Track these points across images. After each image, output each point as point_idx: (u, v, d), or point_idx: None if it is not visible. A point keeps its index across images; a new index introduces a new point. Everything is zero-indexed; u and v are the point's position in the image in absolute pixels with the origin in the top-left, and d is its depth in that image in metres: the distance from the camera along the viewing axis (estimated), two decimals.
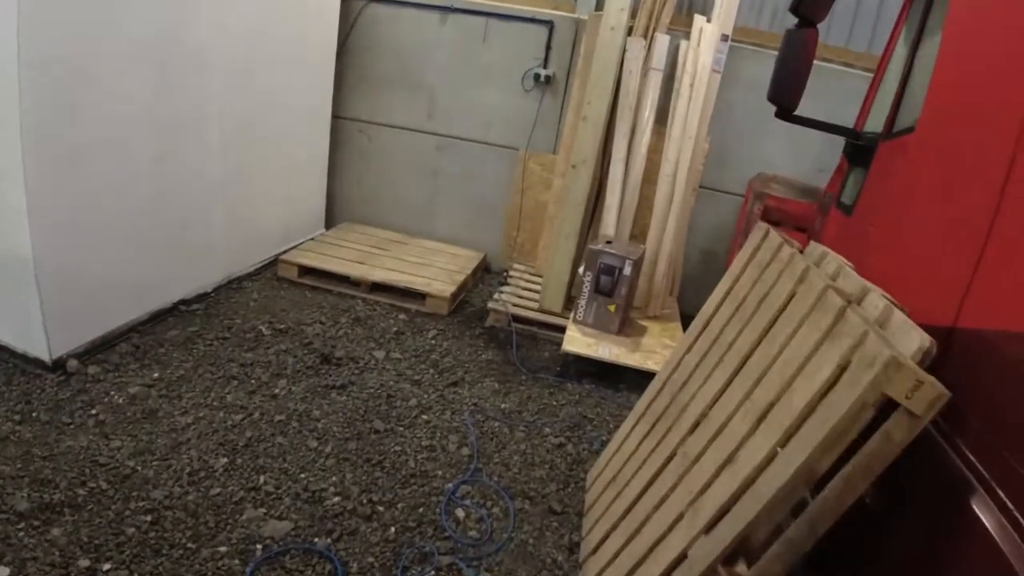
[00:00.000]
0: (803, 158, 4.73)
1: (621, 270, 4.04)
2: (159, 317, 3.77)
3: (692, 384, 2.51)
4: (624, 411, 3.69)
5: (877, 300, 1.98)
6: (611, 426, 3.56)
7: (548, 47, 4.79)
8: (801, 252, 2.65)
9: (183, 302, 3.95)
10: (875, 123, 3.54)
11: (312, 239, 4.93)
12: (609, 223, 4.41)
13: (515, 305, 4.41)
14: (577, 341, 3.99)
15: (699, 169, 4.63)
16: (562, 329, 4.26)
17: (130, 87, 3.25)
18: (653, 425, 2.66)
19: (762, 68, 4.62)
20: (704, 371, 2.47)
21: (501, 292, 4.54)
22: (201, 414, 3.11)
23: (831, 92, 4.58)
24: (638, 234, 4.64)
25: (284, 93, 4.40)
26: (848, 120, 3.63)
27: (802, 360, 1.88)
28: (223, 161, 3.97)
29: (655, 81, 4.47)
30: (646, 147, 4.47)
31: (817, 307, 1.94)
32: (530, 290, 4.66)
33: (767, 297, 2.35)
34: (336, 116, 5.12)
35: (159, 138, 3.48)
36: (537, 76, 4.83)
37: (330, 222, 5.37)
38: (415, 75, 5.02)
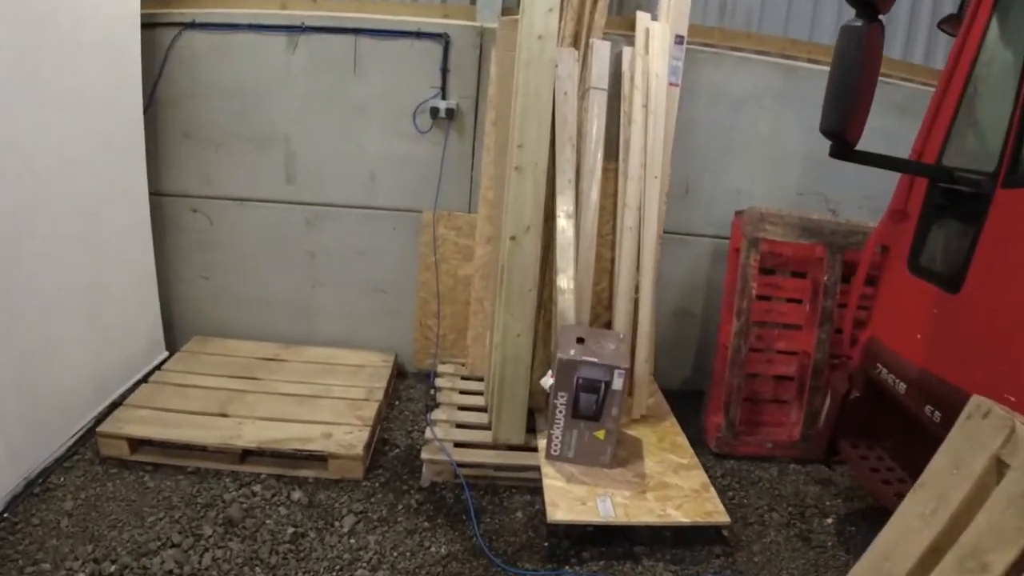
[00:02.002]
0: (781, 183, 3.49)
1: (609, 384, 2.62)
2: None
3: None
4: None
5: None
6: None
7: (445, 70, 3.23)
8: None
9: None
10: (964, 159, 2.30)
11: (147, 380, 3.15)
12: (567, 307, 2.96)
13: (458, 444, 2.88)
14: (564, 499, 2.54)
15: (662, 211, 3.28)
16: (530, 469, 2.81)
17: None
18: None
19: (724, 75, 3.32)
20: None
21: (432, 421, 3.00)
22: None
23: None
24: (595, 304, 3.24)
25: (66, 179, 2.63)
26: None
27: None
28: None
29: (599, 104, 3.05)
30: (597, 193, 3.07)
31: None
32: (471, 408, 3.14)
33: None
34: (156, 193, 3.34)
35: None
36: (435, 111, 3.26)
37: (174, 340, 3.58)
38: (261, 125, 3.32)
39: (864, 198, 3.53)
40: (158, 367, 3.31)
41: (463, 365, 3.50)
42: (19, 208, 2.39)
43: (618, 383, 2.60)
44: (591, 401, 2.64)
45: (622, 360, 2.62)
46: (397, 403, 3.43)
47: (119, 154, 3.05)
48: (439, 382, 3.35)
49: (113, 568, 2.21)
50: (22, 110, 2.37)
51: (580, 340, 2.72)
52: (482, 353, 3.34)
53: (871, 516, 2.90)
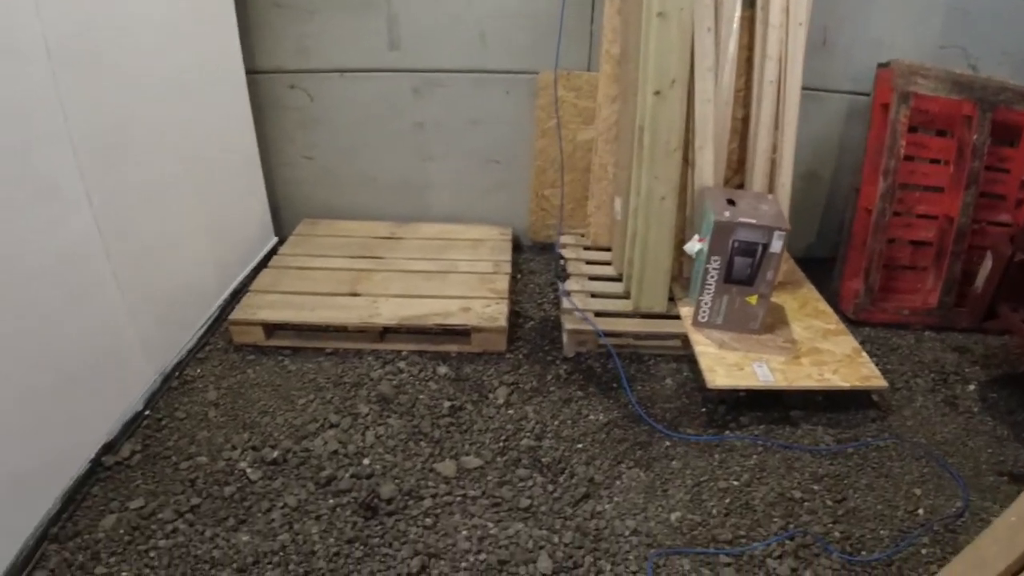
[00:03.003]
0: (921, 35, 3.15)
1: (767, 247, 2.47)
2: (78, 494, 2.02)
3: None
4: (827, 464, 2.26)
5: None
6: (827, 502, 2.12)
7: None
8: None
9: (108, 448, 2.16)
10: None
11: (266, 265, 3.06)
12: (705, 167, 2.78)
13: (597, 314, 2.78)
14: (720, 365, 2.45)
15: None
16: (673, 336, 2.72)
17: None
18: None
19: None
20: None
21: (565, 290, 2.89)
22: None
23: None
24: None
25: (164, 57, 2.40)
26: None
27: None
28: (90, 202, 2.05)
29: None
30: (735, 44, 2.81)
31: None
32: (601, 278, 3.02)
33: None
34: (252, 71, 3.12)
35: None
36: None
37: (280, 225, 3.46)
38: None
39: (1004, 54, 3.20)
40: (271, 253, 3.23)
41: (582, 236, 3.35)
42: (121, 91, 2.19)
43: (776, 245, 2.45)
44: (746, 265, 2.50)
45: (781, 221, 2.46)
46: (519, 276, 3.32)
47: (211, 27, 2.80)
48: (565, 253, 3.20)
49: (276, 453, 2.19)
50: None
51: (731, 202, 2.56)
52: (604, 222, 3.19)
53: (1011, 383, 2.80)
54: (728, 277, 2.53)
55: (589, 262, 3.13)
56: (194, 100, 2.66)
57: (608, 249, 3.19)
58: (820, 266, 3.36)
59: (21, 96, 1.77)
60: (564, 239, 3.34)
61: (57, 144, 1.91)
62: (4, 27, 1.68)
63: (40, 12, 1.79)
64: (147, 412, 2.37)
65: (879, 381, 2.50)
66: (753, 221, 2.43)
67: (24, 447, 1.83)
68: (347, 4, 3.07)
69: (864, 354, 2.62)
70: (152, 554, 1.86)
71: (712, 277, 2.54)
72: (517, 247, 3.56)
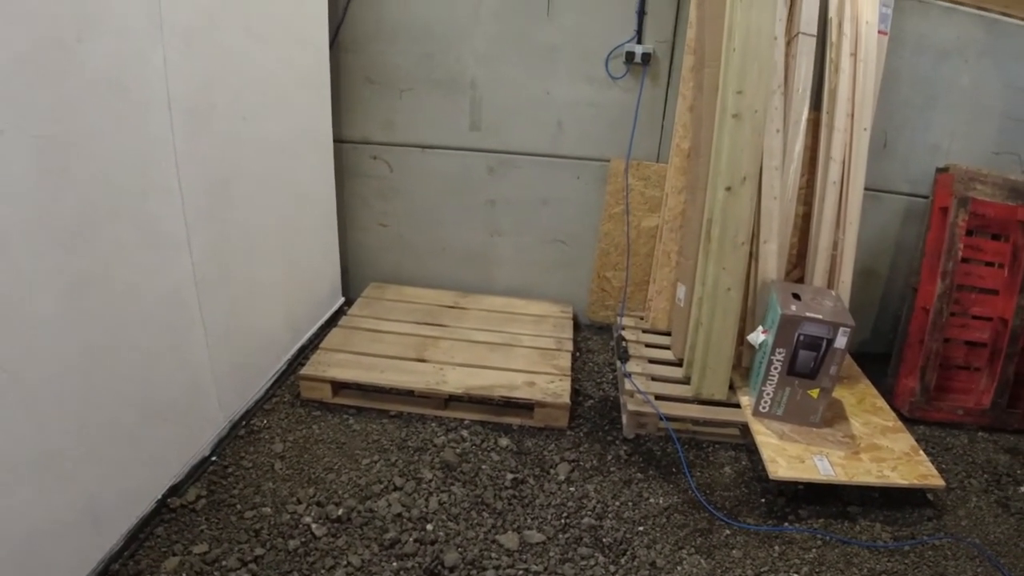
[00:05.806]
0: (977, 141, 3.23)
1: (831, 342, 2.48)
2: (142, 533, 2.03)
3: None
4: (884, 561, 2.20)
5: None
6: None
7: (642, 13, 3.02)
8: None
9: (174, 490, 2.19)
10: None
11: (336, 324, 3.13)
12: (769, 261, 2.82)
13: (658, 397, 2.80)
14: (782, 456, 2.43)
15: None
16: (731, 424, 2.72)
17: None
18: None
19: (931, 25, 3.07)
20: None
21: (626, 371, 2.91)
22: None
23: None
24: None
25: (263, 123, 2.55)
26: None
27: None
28: (190, 250, 2.16)
29: (807, 50, 2.86)
30: (802, 145, 2.89)
31: None
32: (661, 362, 3.05)
33: None
34: (339, 140, 3.30)
35: (69, 245, 1.67)
36: (630, 56, 3.08)
37: (348, 286, 3.58)
38: (447, 69, 3.20)
39: None
40: (338, 312, 3.32)
41: (641, 319, 3.39)
42: (228, 148, 2.33)
43: (841, 341, 2.46)
44: (810, 359, 2.51)
45: (846, 317, 2.48)
46: (578, 354, 3.35)
47: (310, 94, 2.98)
48: (626, 335, 3.23)
49: (340, 511, 2.21)
50: (229, 38, 2.26)
51: (796, 296, 2.59)
52: (665, 307, 3.23)
53: None
54: (792, 370, 2.54)
55: (648, 345, 3.16)
56: (289, 162, 2.81)
57: (667, 333, 3.23)
58: (874, 362, 3.35)
59: (144, 144, 1.89)
60: (625, 321, 3.37)
61: (168, 193, 2.03)
62: (136, 79, 1.82)
63: (167, 67, 1.93)
64: (214, 458, 2.40)
65: (937, 480, 2.46)
66: (819, 316, 2.45)
67: (103, 479, 1.87)
68: (436, 85, 3.24)
69: (922, 452, 2.59)
70: None
71: (776, 369, 2.55)
72: (575, 325, 3.59)
